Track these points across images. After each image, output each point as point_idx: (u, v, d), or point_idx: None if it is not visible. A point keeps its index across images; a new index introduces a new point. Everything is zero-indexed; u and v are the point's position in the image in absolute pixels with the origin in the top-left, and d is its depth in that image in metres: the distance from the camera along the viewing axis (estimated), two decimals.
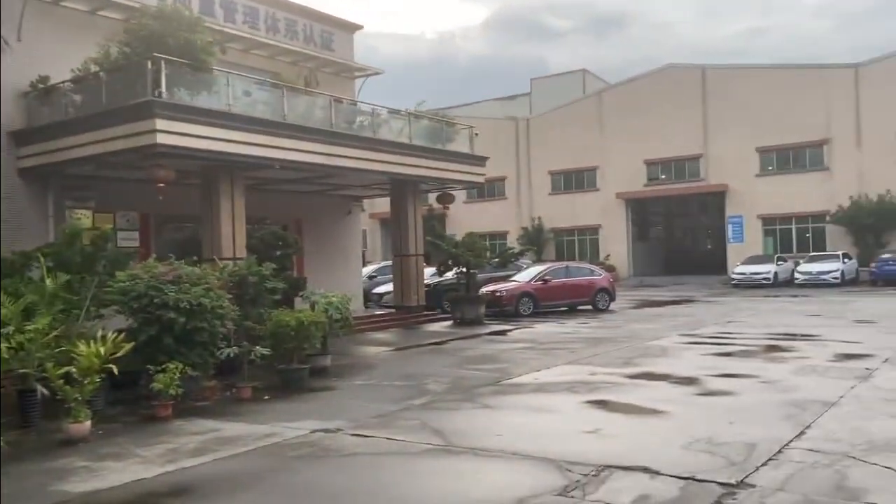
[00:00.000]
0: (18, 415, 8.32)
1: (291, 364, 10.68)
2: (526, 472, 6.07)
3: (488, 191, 45.01)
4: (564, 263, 26.96)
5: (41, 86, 14.53)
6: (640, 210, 45.43)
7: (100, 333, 9.29)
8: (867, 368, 10.49)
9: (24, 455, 7.18)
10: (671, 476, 5.71)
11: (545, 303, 22.17)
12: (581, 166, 44.58)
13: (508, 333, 17.30)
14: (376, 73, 22.51)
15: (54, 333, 8.86)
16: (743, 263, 35.56)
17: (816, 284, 31.88)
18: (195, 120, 13.32)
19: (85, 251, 11.26)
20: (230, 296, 10.60)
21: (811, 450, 6.34)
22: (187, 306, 9.31)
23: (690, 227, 52.76)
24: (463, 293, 20.57)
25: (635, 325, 18.36)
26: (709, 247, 48.98)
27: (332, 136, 16.28)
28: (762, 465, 5.95)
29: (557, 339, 15.66)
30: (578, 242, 45.17)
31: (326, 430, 7.65)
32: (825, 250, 35.71)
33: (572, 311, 22.43)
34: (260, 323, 11.04)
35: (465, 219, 44.55)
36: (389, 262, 23.59)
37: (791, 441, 6.63)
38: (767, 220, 39.03)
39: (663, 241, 49.79)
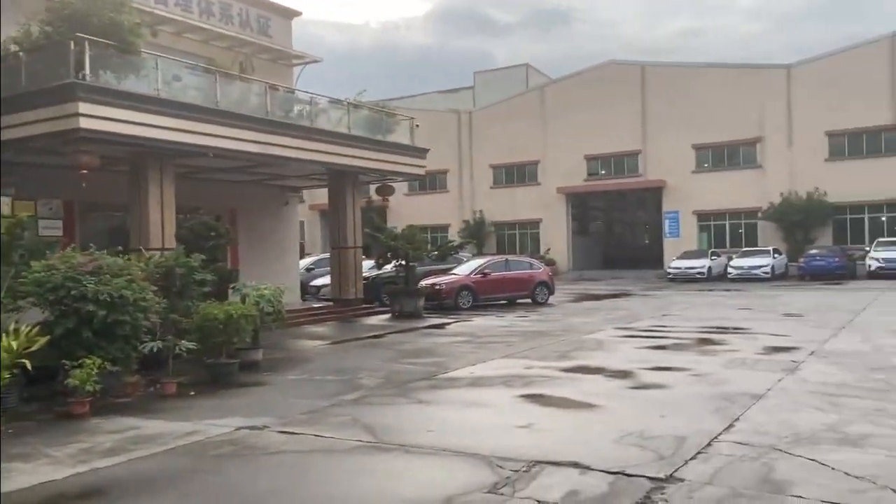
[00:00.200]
0: None
1: (220, 358, 10.32)
2: (457, 469, 5.94)
3: (430, 183, 44.90)
4: (504, 257, 27.03)
5: None
6: (580, 205, 45.96)
7: (12, 326, 8.83)
8: (794, 361, 10.72)
9: None
10: (601, 471, 5.66)
11: (485, 296, 22.17)
12: (523, 160, 44.81)
13: (447, 327, 17.19)
14: (315, 61, 22.10)
15: None
16: (678, 258, 36.37)
17: (748, 279, 32.82)
18: (121, 104, 12.81)
19: None
20: (155, 288, 10.19)
21: (739, 443, 6.38)
22: (107, 298, 8.88)
23: (629, 222, 53.71)
24: (402, 286, 20.38)
25: (573, 318, 18.48)
26: (646, 241, 49.96)
27: (268, 124, 15.88)
28: (691, 458, 5.95)
29: (495, 333, 15.63)
30: (519, 236, 45.45)
31: (252, 428, 7.37)
32: (757, 246, 36.77)
33: (512, 305, 22.48)
34: (187, 316, 10.64)
35: (407, 211, 44.40)
36: (328, 255, 23.23)
37: (720, 434, 6.67)
38: (702, 216, 39.96)
39: (603, 236, 50.54)
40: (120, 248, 11.01)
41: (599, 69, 43.02)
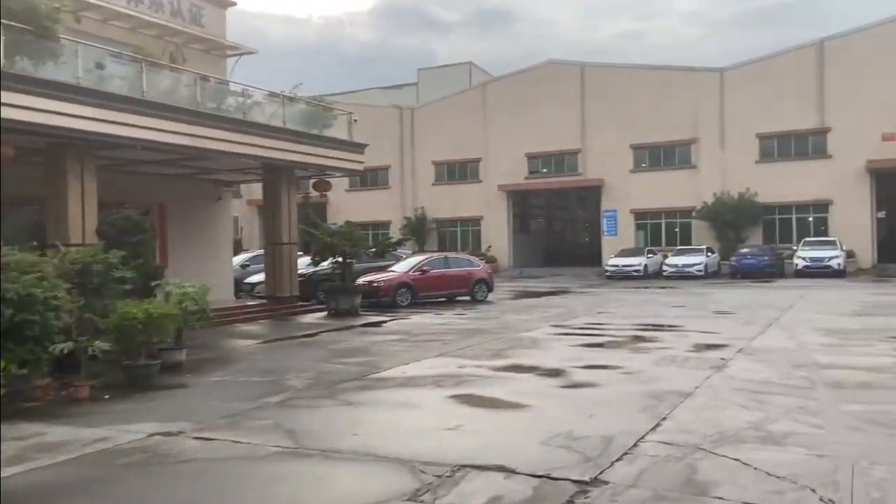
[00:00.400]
0: None
1: (139, 360, 9.86)
2: (377, 476, 5.73)
3: (371, 180, 44.53)
4: (443, 254, 26.92)
5: None
6: (521, 202, 46.22)
7: None
8: (722, 358, 10.85)
9: None
10: (526, 475, 5.53)
11: (423, 293, 21.98)
12: (465, 157, 44.81)
13: (383, 325, 16.96)
14: (250, 53, 21.53)
15: None
16: (616, 256, 36.90)
17: (682, 276, 33.52)
18: (38, 92, 12.19)
19: None
20: (70, 286, 9.68)
21: (665, 442, 6.35)
22: (14, 297, 8.36)
23: (569, 220, 54.35)
24: (338, 283, 20.04)
25: (510, 315, 18.46)
26: (586, 239, 50.67)
27: (198, 116, 15.38)
28: (617, 459, 5.88)
29: (432, 331, 15.46)
30: (461, 233, 45.45)
31: (167, 434, 7.00)
32: (691, 244, 37.58)
33: (451, 302, 22.36)
34: (105, 315, 10.13)
35: (348, 208, 43.93)
36: (264, 251, 22.69)
37: (646, 434, 6.63)
38: (639, 215, 40.64)
39: (543, 233, 50.96)
40: (35, 243, 10.44)
41: (539, 69, 43.28)
